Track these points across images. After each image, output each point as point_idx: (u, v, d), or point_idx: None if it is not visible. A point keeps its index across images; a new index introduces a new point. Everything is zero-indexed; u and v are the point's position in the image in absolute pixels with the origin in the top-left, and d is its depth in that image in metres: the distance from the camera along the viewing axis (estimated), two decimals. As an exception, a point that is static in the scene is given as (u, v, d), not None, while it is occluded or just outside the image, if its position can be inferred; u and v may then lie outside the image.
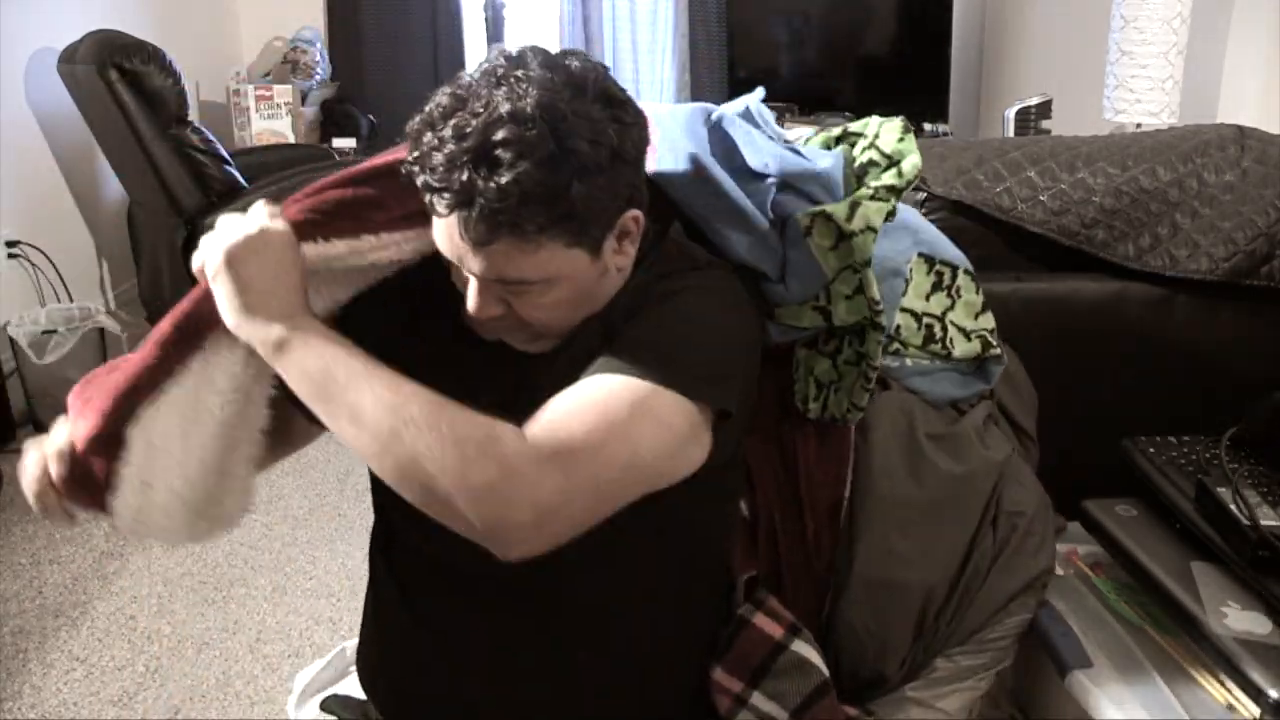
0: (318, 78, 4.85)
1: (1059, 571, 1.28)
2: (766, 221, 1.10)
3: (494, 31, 5.17)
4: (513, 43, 5.61)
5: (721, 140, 1.15)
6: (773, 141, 1.16)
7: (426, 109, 0.92)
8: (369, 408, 0.86)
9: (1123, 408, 1.56)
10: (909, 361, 1.24)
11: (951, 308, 1.27)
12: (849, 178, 1.16)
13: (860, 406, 1.15)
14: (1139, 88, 2.74)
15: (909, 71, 4.37)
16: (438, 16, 5.05)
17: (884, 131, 1.19)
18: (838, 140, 1.25)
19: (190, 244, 3.43)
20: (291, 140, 4.52)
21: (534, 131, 0.86)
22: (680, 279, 1.02)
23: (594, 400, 0.90)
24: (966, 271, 1.31)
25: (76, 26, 3.48)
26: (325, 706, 1.13)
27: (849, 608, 1.15)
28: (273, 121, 4.50)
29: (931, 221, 1.59)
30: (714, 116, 1.17)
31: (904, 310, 1.23)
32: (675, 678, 1.14)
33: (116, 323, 3.17)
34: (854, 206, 1.08)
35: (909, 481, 1.18)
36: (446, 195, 0.88)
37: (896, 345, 1.23)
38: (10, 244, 3.41)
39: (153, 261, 3.72)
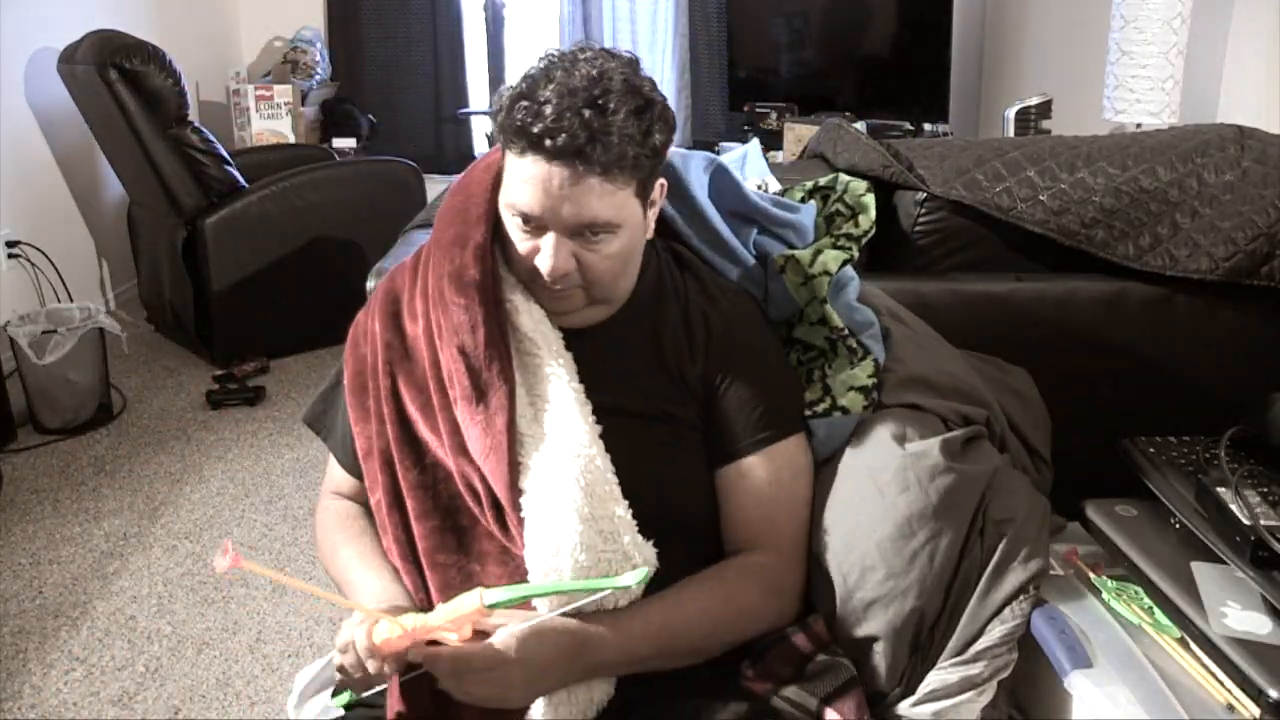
0: (318, 78, 4.85)
1: (1059, 572, 1.28)
2: (752, 258, 1.33)
3: (494, 31, 5.17)
4: (513, 43, 5.57)
5: (720, 186, 1.34)
6: (757, 197, 1.37)
7: (519, 83, 1.09)
8: (694, 650, 1.11)
9: (1123, 408, 1.56)
10: None
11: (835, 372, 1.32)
12: (819, 226, 1.43)
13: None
14: (1139, 88, 2.74)
15: (909, 71, 4.38)
16: (438, 16, 5.06)
17: (851, 187, 1.45)
18: (811, 192, 1.49)
19: (190, 244, 3.43)
20: (291, 140, 4.52)
21: (624, 87, 1.08)
22: (733, 307, 1.25)
23: (780, 498, 1.19)
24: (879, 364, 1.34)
25: (76, 26, 3.48)
26: (350, 705, 1.14)
27: (842, 628, 1.16)
28: (273, 121, 4.51)
29: (931, 222, 1.60)
30: (715, 164, 1.36)
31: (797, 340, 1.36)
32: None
33: (116, 323, 3.17)
34: (817, 253, 1.30)
35: (897, 496, 1.17)
36: (563, 136, 1.04)
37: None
38: (10, 244, 3.42)
39: (153, 261, 3.72)
